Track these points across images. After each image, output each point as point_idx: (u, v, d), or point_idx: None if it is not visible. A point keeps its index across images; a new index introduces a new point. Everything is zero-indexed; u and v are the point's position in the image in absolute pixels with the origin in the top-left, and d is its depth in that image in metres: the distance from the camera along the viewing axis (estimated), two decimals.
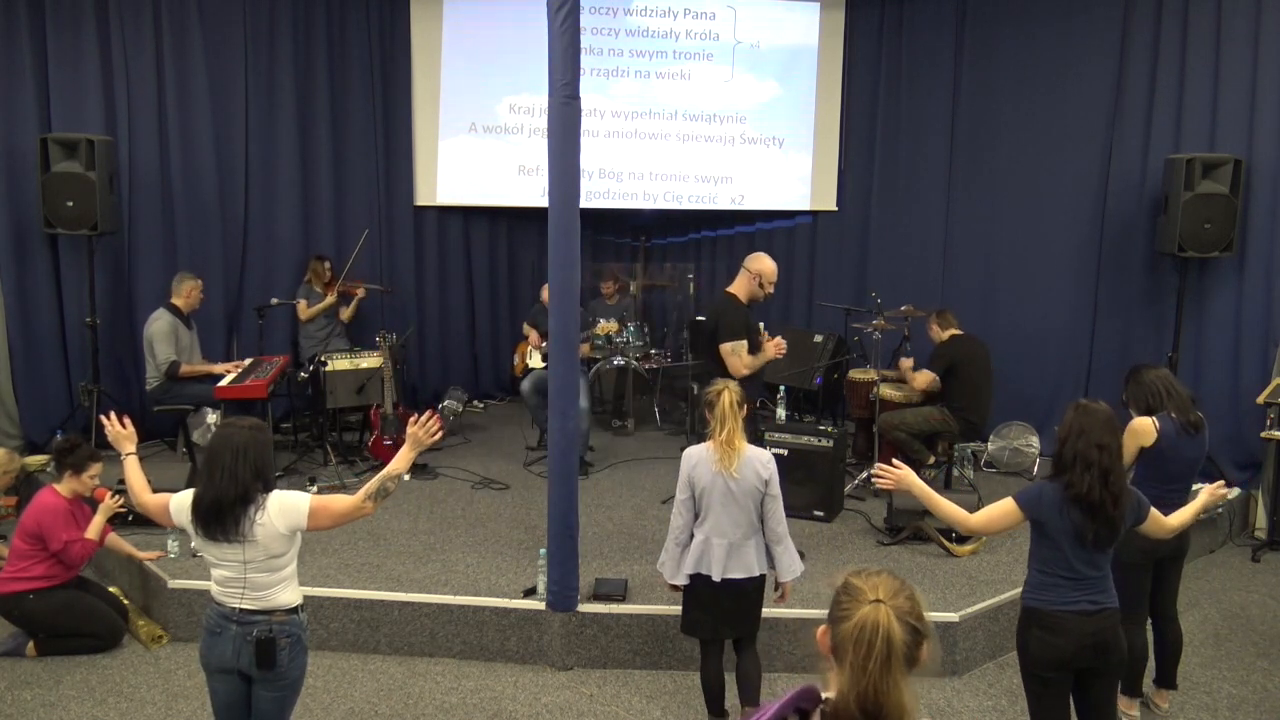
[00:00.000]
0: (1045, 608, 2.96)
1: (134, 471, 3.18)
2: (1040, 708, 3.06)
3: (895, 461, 3.16)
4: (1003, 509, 3.02)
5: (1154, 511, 3.07)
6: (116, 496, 4.53)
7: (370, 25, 7.76)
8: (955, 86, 7.48)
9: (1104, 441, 2.89)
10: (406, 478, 3.24)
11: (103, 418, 3.32)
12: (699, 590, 3.62)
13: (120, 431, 3.25)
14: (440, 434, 3.21)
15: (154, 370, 6.17)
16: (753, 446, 3.62)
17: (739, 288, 5.06)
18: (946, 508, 3.09)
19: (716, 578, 3.53)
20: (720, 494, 3.54)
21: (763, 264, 5.04)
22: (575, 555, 4.32)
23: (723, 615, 3.62)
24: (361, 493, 3.00)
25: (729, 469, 3.52)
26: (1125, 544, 3.11)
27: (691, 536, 3.62)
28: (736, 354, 4.88)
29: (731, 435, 3.54)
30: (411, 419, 3.15)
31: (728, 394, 3.57)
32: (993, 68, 7.32)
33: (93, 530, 4.48)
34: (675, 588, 3.71)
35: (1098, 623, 2.94)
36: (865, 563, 4.88)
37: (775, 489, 3.60)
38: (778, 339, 5.07)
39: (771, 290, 5.10)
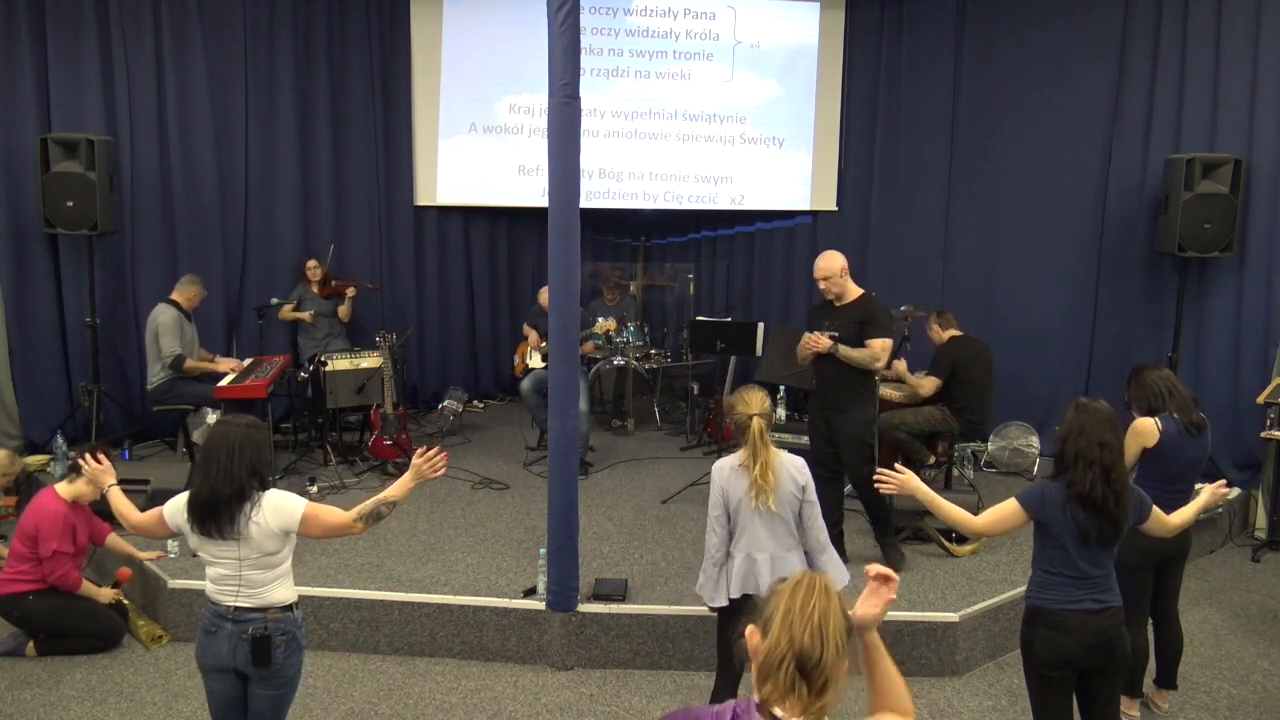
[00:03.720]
0: (1050, 607, 2.97)
1: (119, 500, 3.21)
2: (1044, 706, 3.07)
3: (898, 466, 3.15)
4: (1006, 510, 3.02)
5: (1156, 510, 3.08)
6: (118, 589, 4.63)
7: (370, 25, 7.76)
8: (955, 86, 7.48)
9: (1105, 439, 2.89)
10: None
11: (80, 460, 3.40)
12: (744, 614, 3.45)
13: (98, 468, 3.28)
14: (443, 470, 3.21)
15: (157, 364, 6.14)
16: (784, 452, 3.43)
17: None
18: (950, 510, 3.08)
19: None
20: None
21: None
22: (575, 555, 4.32)
23: None
24: (354, 512, 3.02)
25: (766, 504, 3.31)
26: (1127, 545, 3.12)
27: (728, 555, 3.42)
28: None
29: (765, 469, 3.30)
30: (419, 451, 3.13)
31: (758, 422, 3.32)
32: (993, 68, 7.32)
33: (86, 588, 4.49)
34: (716, 610, 3.53)
35: (1102, 621, 2.95)
36: (866, 563, 4.87)
37: (812, 494, 3.42)
38: (815, 336, 4.70)
39: (822, 285, 4.76)
